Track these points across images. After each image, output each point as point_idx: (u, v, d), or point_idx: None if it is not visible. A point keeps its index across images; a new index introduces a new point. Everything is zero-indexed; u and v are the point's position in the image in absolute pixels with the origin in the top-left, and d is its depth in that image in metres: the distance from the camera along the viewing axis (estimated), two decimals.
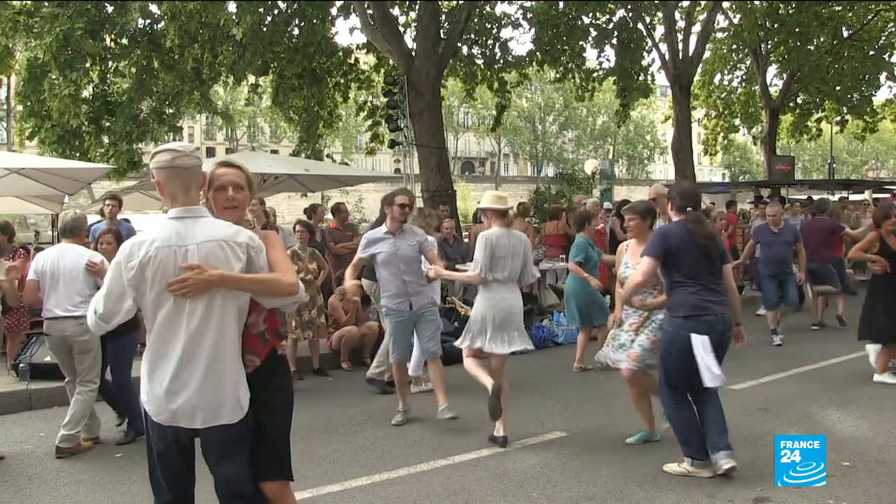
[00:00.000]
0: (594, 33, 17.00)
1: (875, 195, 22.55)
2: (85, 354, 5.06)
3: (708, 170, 64.85)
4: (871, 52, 22.70)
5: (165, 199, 2.62)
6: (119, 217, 8.35)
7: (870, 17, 21.69)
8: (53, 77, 12.15)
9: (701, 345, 4.08)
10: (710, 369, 4.05)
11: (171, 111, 14.68)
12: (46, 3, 11.99)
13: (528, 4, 17.08)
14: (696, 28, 18.71)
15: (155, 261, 2.49)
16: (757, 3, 20.00)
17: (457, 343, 5.29)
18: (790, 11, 19.73)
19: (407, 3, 16.20)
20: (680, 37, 17.81)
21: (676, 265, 4.25)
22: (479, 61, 17.06)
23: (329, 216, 11.04)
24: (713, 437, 4.24)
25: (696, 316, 4.16)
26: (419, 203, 14.38)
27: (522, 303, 5.33)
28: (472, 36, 16.52)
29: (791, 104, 24.51)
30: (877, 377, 6.48)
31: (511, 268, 5.03)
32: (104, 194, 8.76)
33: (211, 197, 2.77)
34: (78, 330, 4.89)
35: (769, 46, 22.04)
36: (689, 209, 4.33)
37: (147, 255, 2.49)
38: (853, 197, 20.94)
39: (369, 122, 17.35)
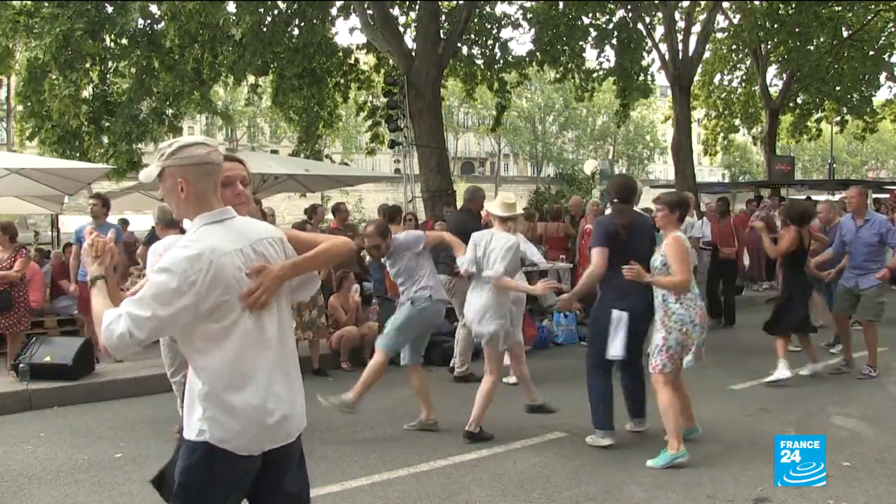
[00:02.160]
0: (594, 33, 16.98)
1: (875, 195, 22.56)
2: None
3: (708, 170, 64.81)
4: (871, 52, 22.67)
5: (187, 200, 2.23)
6: (117, 217, 8.35)
7: (870, 17, 21.66)
8: (53, 77, 12.14)
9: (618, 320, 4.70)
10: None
11: (171, 111, 14.67)
12: (46, 4, 11.98)
13: (528, 4, 17.07)
14: (696, 28, 18.67)
15: (221, 273, 2.13)
16: (757, 3, 19.98)
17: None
18: (790, 11, 19.71)
19: (407, 3, 16.19)
20: (680, 37, 17.77)
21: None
22: (479, 61, 17.05)
23: (329, 216, 11.04)
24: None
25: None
26: (419, 204, 14.46)
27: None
28: (472, 36, 16.51)
29: (791, 104, 24.49)
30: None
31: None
32: (90, 194, 8.66)
33: None
34: None
35: (769, 46, 22.02)
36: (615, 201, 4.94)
37: (211, 268, 2.12)
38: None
39: (369, 123, 17.34)
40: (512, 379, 6.39)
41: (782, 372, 6.47)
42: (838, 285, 7.10)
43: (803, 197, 18.14)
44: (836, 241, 7.06)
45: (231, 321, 2.16)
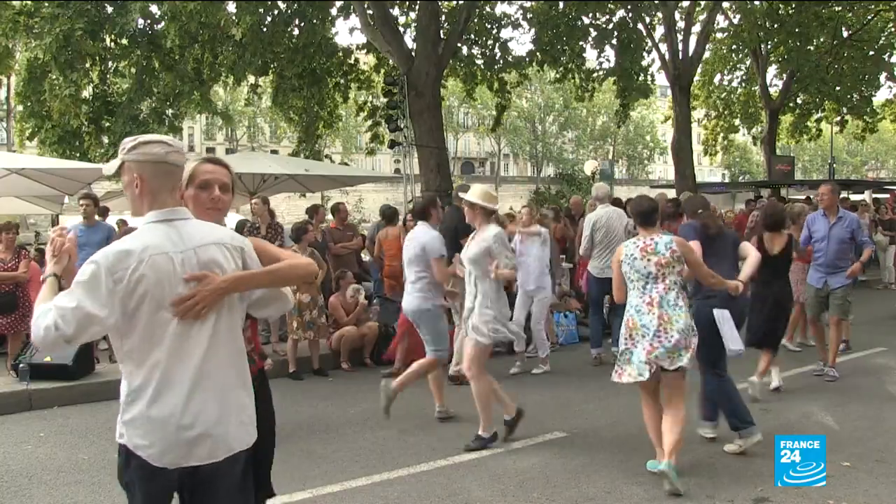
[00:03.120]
0: (594, 33, 16.99)
1: (875, 195, 22.56)
2: None
3: (708, 170, 64.86)
4: (871, 53, 22.70)
5: (141, 197, 2.18)
6: (117, 217, 8.35)
7: (870, 18, 21.68)
8: (53, 77, 12.15)
9: (721, 317, 4.72)
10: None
11: (171, 111, 14.69)
12: (46, 4, 11.98)
13: (528, 4, 17.09)
14: (696, 28, 18.69)
15: (150, 273, 2.05)
16: (757, 3, 19.98)
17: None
18: (790, 12, 19.73)
19: (407, 3, 16.19)
20: (680, 37, 17.78)
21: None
22: (479, 62, 17.06)
23: (329, 216, 11.05)
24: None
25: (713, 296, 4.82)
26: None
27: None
28: (472, 36, 16.52)
29: (791, 104, 24.52)
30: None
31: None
32: (80, 194, 8.62)
33: (191, 195, 2.42)
34: None
35: (769, 47, 22.03)
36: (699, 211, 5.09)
37: (141, 266, 2.04)
38: (853, 197, 20.95)
39: (369, 123, 17.35)
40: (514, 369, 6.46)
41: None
42: (807, 288, 7.08)
43: (803, 197, 18.14)
44: (804, 237, 6.97)
45: (157, 326, 2.08)
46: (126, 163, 2.19)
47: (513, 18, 17.15)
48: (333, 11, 15.42)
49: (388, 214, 9.43)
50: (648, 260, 4.33)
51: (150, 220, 2.17)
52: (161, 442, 2.09)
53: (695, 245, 4.75)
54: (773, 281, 6.00)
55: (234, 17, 12.87)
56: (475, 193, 5.12)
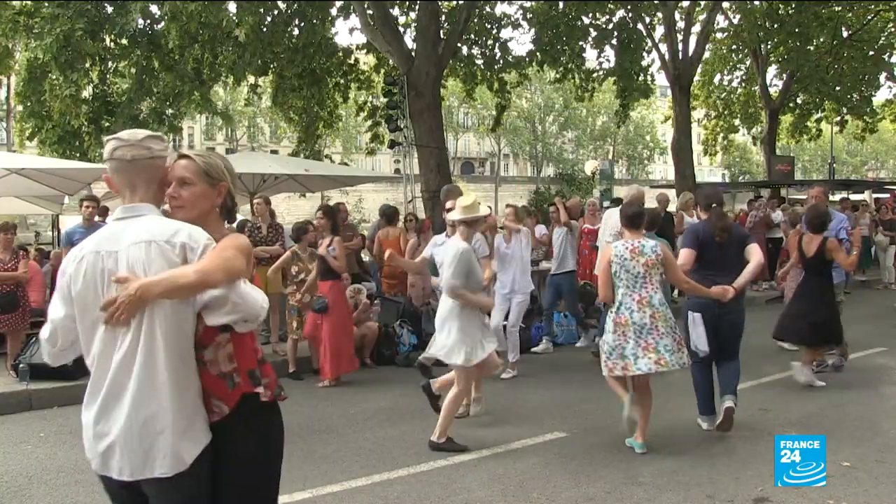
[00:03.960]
0: (594, 34, 16.98)
1: (875, 195, 22.56)
2: None
3: (708, 170, 64.80)
4: (871, 53, 22.68)
5: (118, 195, 2.21)
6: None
7: (870, 18, 21.67)
8: (53, 77, 12.13)
9: (693, 319, 5.07)
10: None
11: (171, 111, 14.67)
12: (46, 4, 11.97)
13: (528, 5, 17.08)
14: (696, 28, 18.69)
15: (80, 274, 2.03)
16: (757, 3, 19.98)
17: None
18: (790, 12, 19.72)
19: (407, 3, 16.19)
20: (680, 37, 17.78)
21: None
22: (479, 62, 17.05)
23: None
24: (722, 386, 5.14)
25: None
26: (419, 204, 14.46)
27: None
28: (472, 36, 16.51)
29: (791, 104, 24.51)
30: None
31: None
32: (83, 196, 8.58)
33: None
34: None
35: (769, 47, 22.03)
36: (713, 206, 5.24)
37: (74, 268, 2.04)
38: (853, 197, 20.96)
39: (369, 123, 17.34)
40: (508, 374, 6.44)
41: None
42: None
43: (803, 197, 18.14)
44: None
45: (89, 329, 2.06)
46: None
47: (513, 18, 17.14)
48: (333, 11, 15.41)
49: (389, 214, 9.44)
50: (637, 261, 4.67)
51: (112, 217, 2.20)
52: (87, 446, 2.11)
53: (688, 254, 5.05)
54: (811, 279, 6.43)
55: (235, 18, 12.86)
56: (455, 212, 5.14)
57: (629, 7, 16.86)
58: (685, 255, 5.11)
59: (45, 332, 2.11)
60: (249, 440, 2.21)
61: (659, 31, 18.42)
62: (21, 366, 6.49)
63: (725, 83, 25.17)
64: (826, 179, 36.01)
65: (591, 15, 16.78)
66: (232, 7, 13.32)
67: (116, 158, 2.14)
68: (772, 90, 24.13)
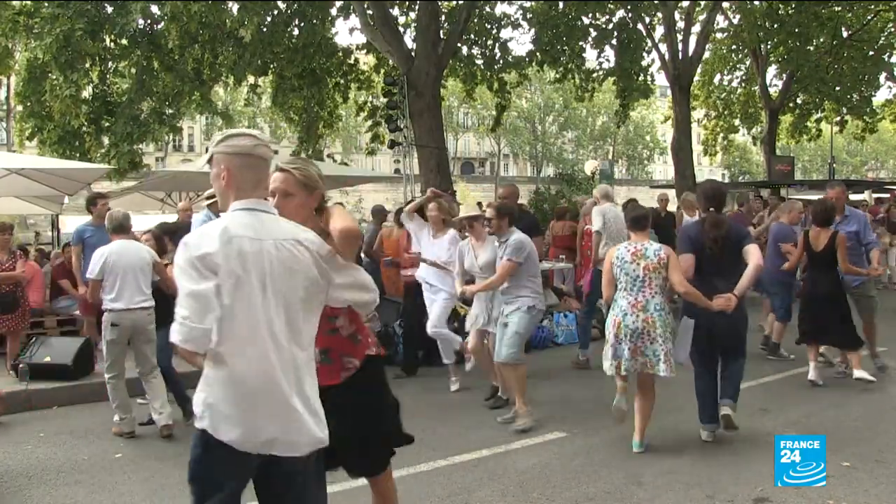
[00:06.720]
0: (594, 34, 17.01)
1: (875, 195, 22.55)
2: (152, 342, 5.45)
3: (708, 170, 64.57)
4: (871, 53, 22.69)
5: (227, 189, 2.23)
6: None
7: (870, 18, 21.68)
8: (53, 77, 12.14)
9: (685, 325, 4.87)
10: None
11: (171, 112, 14.68)
12: (46, 4, 11.98)
13: (528, 5, 17.09)
14: (696, 28, 18.71)
15: (233, 253, 2.10)
16: (757, 3, 20.00)
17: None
18: (790, 12, 19.73)
19: (407, 3, 16.20)
20: (680, 37, 17.80)
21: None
22: (479, 62, 17.07)
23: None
24: (721, 388, 4.98)
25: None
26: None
27: None
28: (472, 36, 16.53)
29: (791, 104, 24.51)
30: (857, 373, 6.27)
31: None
32: (94, 194, 8.56)
33: None
34: (148, 319, 5.41)
35: (769, 47, 22.03)
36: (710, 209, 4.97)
37: (218, 246, 2.08)
38: (853, 197, 20.94)
39: (369, 123, 17.35)
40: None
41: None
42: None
43: (803, 197, 18.13)
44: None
45: (239, 303, 2.11)
46: (215, 155, 2.26)
47: (513, 18, 17.17)
48: (333, 11, 15.42)
49: (381, 214, 9.46)
50: (638, 264, 4.66)
51: (235, 207, 2.21)
52: (241, 427, 2.19)
53: (688, 260, 4.87)
54: (820, 277, 6.28)
55: (238, 19, 12.86)
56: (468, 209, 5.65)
57: (629, 7, 16.87)
58: (685, 262, 4.91)
59: (184, 311, 2.02)
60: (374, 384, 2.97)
61: (659, 31, 18.45)
62: (21, 366, 6.47)
63: (725, 83, 25.18)
64: (826, 179, 36.01)
65: (590, 15, 16.80)
66: (233, 7, 13.34)
67: (257, 155, 2.24)
68: (772, 90, 24.14)
